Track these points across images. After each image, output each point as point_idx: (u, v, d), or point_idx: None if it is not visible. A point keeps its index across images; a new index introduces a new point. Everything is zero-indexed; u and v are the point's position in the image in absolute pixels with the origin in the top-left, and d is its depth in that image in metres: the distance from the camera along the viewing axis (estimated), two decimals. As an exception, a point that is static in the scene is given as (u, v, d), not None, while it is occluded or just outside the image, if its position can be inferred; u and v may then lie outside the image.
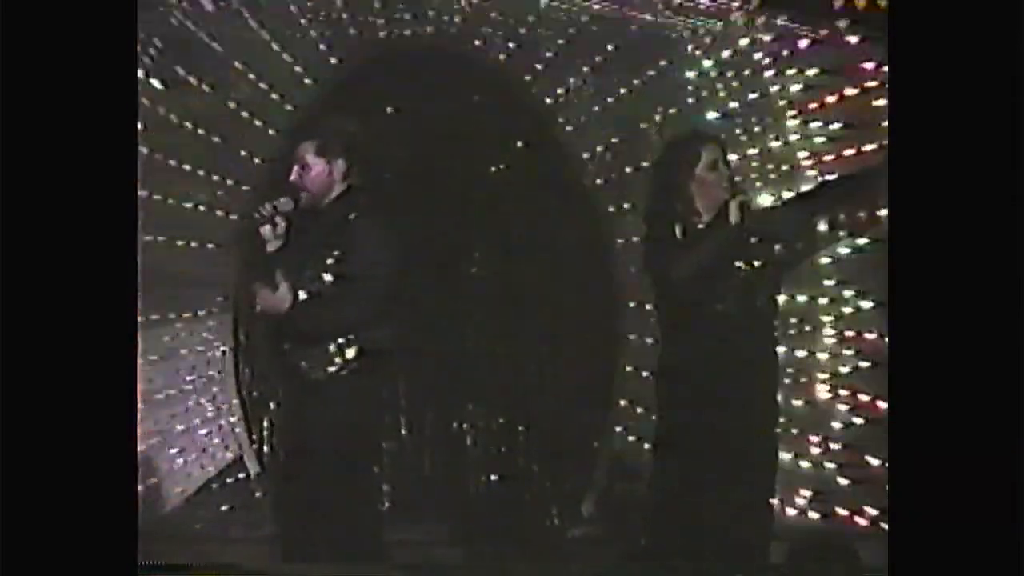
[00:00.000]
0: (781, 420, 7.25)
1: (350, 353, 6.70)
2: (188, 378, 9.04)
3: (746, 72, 9.04)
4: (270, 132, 8.91)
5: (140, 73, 8.45)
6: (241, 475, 9.13)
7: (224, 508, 9.07)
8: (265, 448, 9.13)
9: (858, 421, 8.69)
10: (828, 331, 8.86)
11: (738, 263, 6.92)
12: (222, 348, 9.03)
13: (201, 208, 8.94)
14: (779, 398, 7.14)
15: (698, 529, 6.76)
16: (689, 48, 9.10)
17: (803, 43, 8.90)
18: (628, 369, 9.37)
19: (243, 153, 8.94)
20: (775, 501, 7.19)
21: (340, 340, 6.72)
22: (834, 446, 8.74)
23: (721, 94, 9.12)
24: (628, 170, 9.25)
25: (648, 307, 8.34)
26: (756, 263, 6.95)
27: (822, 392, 8.90)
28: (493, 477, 9.23)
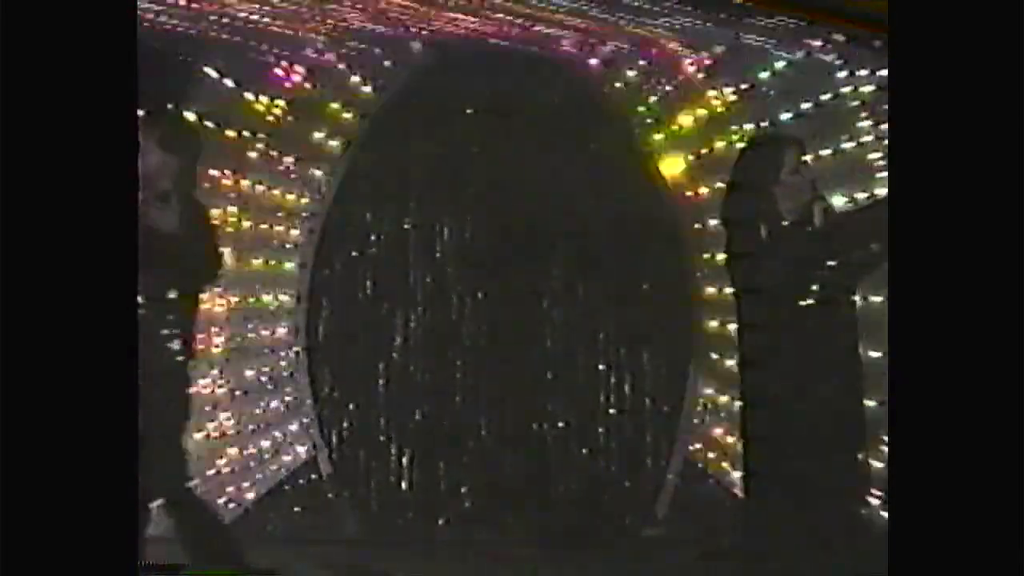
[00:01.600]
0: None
1: None
2: (262, 378, 9.32)
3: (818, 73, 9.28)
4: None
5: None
6: (313, 476, 9.37)
7: (296, 509, 9.34)
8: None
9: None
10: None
11: (819, 264, 7.11)
12: (295, 348, 9.29)
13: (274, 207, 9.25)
14: (864, 399, 7.28)
15: (788, 526, 6.96)
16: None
17: (877, 43, 9.08)
18: (704, 367, 9.61)
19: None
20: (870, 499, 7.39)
21: None
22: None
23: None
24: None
25: (724, 305, 8.55)
26: (835, 264, 7.13)
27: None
28: (571, 477, 9.44)
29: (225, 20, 8.79)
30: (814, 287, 7.17)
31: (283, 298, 9.34)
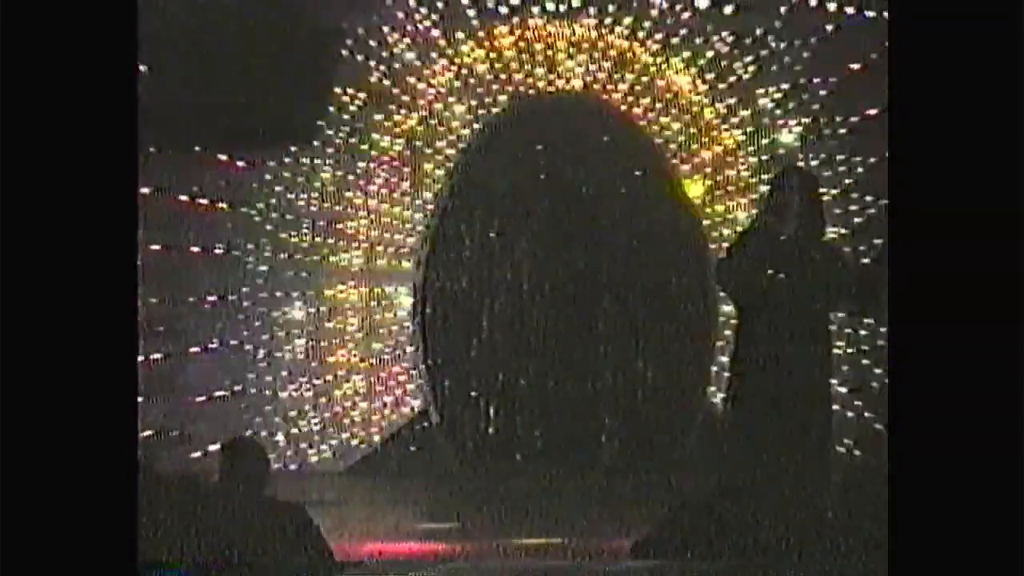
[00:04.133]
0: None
1: None
2: (386, 350, 11.44)
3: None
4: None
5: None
6: (425, 424, 11.40)
7: (412, 449, 11.34)
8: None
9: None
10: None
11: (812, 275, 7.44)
12: (410, 328, 11.37)
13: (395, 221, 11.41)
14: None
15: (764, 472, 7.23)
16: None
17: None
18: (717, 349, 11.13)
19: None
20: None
21: None
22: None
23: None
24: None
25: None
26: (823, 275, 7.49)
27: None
28: (614, 421, 11.16)
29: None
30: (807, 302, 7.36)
31: (401, 289, 11.39)
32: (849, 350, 10.31)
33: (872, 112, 10.75)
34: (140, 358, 10.58)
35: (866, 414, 10.32)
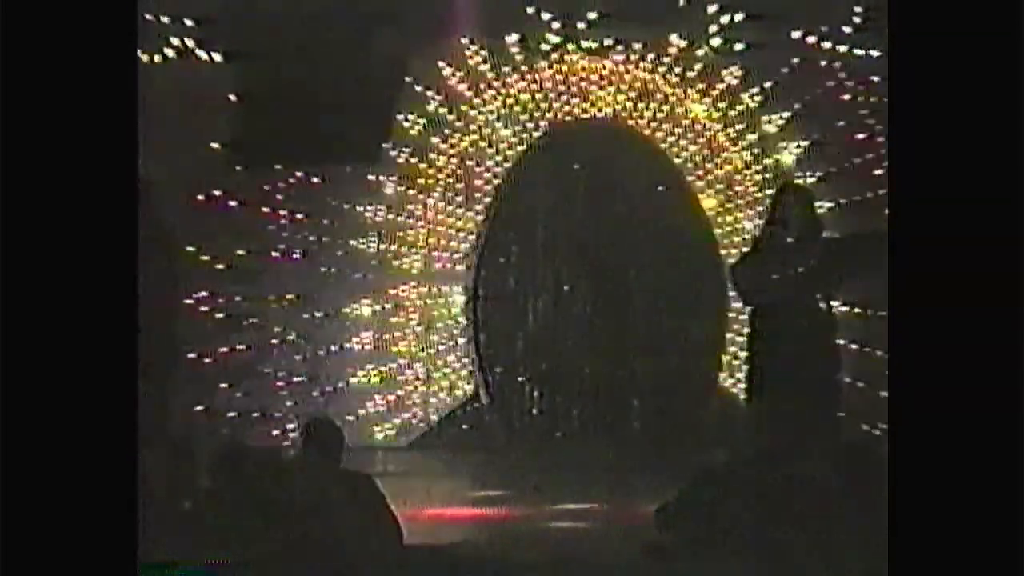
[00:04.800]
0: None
1: None
2: (442, 341, 12.07)
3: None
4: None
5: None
6: (476, 405, 12.05)
7: (464, 427, 11.94)
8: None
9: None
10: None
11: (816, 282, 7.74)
12: (464, 321, 12.06)
13: (450, 229, 12.03)
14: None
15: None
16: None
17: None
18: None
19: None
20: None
21: None
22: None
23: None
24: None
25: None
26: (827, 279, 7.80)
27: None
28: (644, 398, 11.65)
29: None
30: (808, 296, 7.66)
31: (455, 289, 12.08)
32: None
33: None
34: (224, 349, 11.15)
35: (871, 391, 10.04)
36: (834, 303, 7.87)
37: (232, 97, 11.52)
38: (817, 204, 8.63)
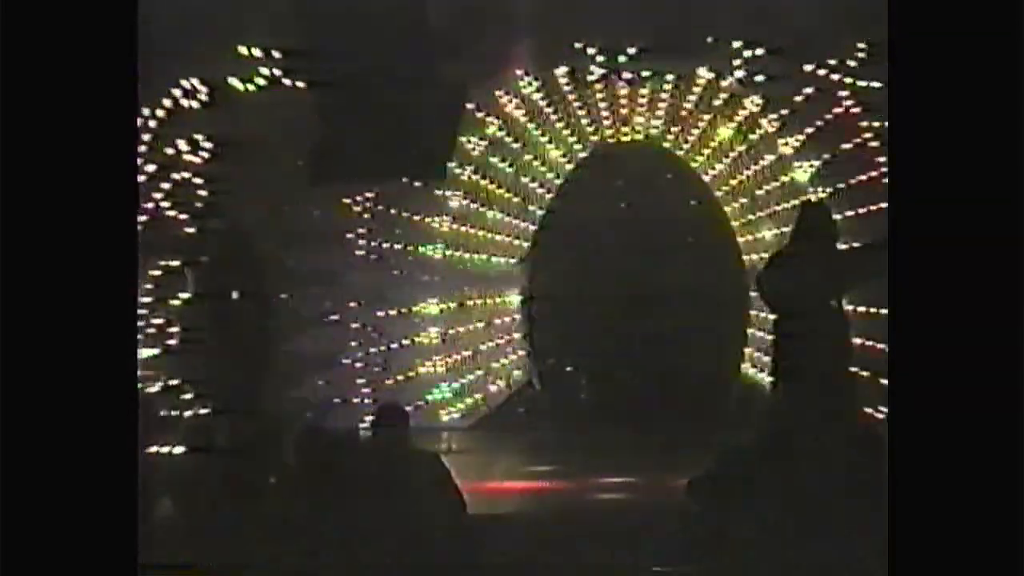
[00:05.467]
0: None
1: None
2: (500, 336, 13.11)
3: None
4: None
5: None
6: (530, 391, 13.14)
7: (520, 410, 12.95)
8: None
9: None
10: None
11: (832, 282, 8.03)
12: (519, 318, 13.04)
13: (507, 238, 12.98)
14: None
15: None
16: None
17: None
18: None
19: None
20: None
21: None
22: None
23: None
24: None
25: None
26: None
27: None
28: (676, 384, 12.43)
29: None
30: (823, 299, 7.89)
31: (512, 290, 13.13)
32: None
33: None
34: (309, 344, 11.98)
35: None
36: (847, 305, 8.23)
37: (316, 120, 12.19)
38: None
